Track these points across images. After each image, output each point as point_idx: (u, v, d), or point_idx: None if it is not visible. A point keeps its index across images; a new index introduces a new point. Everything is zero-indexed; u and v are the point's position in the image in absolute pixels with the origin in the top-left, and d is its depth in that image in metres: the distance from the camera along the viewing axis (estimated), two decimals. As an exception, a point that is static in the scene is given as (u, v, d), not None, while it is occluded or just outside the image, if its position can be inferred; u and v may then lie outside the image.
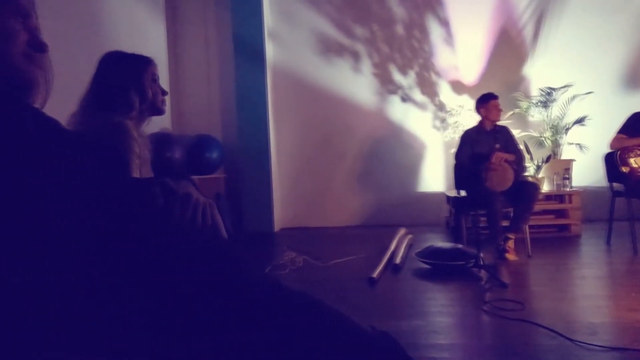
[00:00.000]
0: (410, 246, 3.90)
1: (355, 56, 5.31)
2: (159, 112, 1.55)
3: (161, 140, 4.28)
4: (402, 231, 4.22)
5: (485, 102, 3.65)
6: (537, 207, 3.76)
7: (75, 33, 3.01)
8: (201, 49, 5.48)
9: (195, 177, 4.95)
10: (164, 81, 1.84)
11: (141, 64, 1.51)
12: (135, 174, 1.38)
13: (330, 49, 5.32)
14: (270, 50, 5.29)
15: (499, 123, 3.74)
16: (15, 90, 0.70)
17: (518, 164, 3.55)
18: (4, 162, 0.57)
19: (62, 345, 0.59)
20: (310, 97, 5.36)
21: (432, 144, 5.23)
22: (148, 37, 4.39)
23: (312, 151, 5.42)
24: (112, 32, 3.63)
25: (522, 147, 4.14)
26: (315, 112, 5.38)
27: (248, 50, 5.11)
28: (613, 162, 3.56)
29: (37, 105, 0.75)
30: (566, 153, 4.63)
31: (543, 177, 4.45)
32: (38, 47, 0.73)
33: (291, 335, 0.73)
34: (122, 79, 1.45)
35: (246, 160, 5.18)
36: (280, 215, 5.41)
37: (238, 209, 5.18)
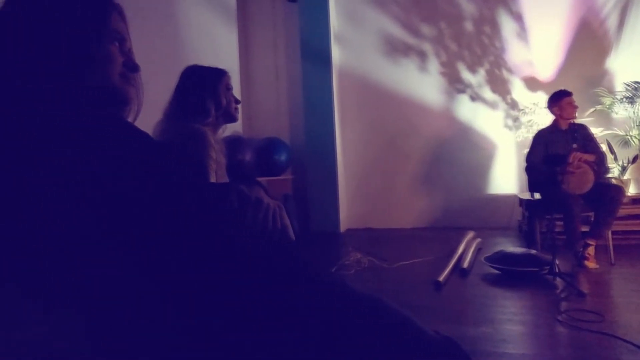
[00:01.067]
0: (478, 250, 3.79)
1: (422, 55, 5.23)
2: (233, 119, 1.68)
3: (233, 143, 4.50)
4: (470, 234, 4.10)
5: (559, 100, 3.45)
6: (623, 211, 3.48)
7: (158, 46, 3.27)
8: (270, 54, 5.68)
9: (263, 179, 5.17)
10: (236, 87, 1.96)
11: (216, 75, 1.65)
12: (212, 177, 1.50)
13: (396, 49, 5.28)
14: (336, 53, 5.36)
15: (577, 121, 3.51)
16: (112, 107, 0.80)
17: (599, 164, 3.32)
18: (103, 172, 0.65)
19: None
20: (376, 98, 5.36)
21: (504, 144, 5.02)
22: (221, 44, 4.64)
23: (378, 152, 5.42)
24: (189, 40, 3.88)
25: (604, 146, 3.86)
26: (381, 113, 5.38)
27: (315, 53, 5.22)
28: None
29: (130, 119, 0.85)
30: (657, 153, 4.24)
31: (629, 179, 4.11)
32: (132, 67, 0.83)
33: (356, 336, 0.76)
34: (200, 89, 1.59)
35: (313, 161, 5.29)
36: (346, 216, 5.47)
37: (305, 209, 5.31)
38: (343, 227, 5.36)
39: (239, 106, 1.74)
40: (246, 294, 0.71)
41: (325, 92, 5.22)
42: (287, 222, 1.64)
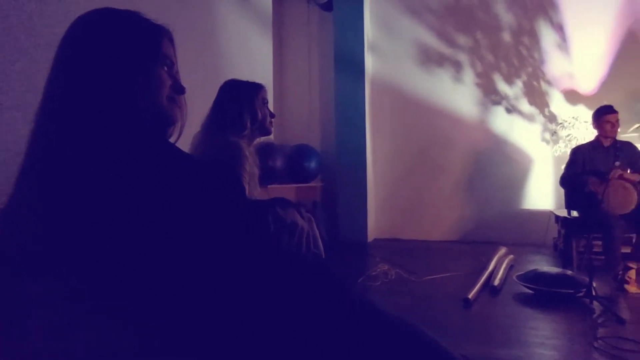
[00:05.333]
0: (510, 267, 3.67)
1: (457, 66, 5.15)
2: (267, 132, 1.70)
3: (264, 150, 4.55)
4: (502, 250, 3.99)
5: (599, 117, 3.33)
6: (668, 233, 3.31)
7: (201, 61, 3.36)
8: (304, 62, 5.73)
9: (293, 186, 5.19)
10: (269, 94, 2.00)
11: (253, 89, 1.68)
12: (246, 189, 1.52)
13: (430, 59, 5.22)
14: (369, 62, 5.35)
15: (622, 138, 3.37)
16: (159, 127, 0.84)
17: (644, 184, 3.17)
18: (149, 192, 0.68)
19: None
20: (409, 108, 5.31)
21: (540, 158, 4.87)
22: (257, 52, 4.72)
23: (410, 162, 5.36)
24: (228, 53, 3.96)
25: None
26: (414, 123, 5.32)
27: (348, 62, 5.23)
28: None
29: (174, 137, 0.89)
30: None
31: (676, 200, 3.90)
32: (179, 90, 0.87)
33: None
34: (237, 103, 1.62)
35: (343, 169, 5.28)
36: (375, 226, 5.42)
37: (334, 217, 5.30)
38: (371, 236, 5.31)
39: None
40: (281, 314, 0.72)
41: (358, 100, 5.21)
42: (317, 233, 1.64)
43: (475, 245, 4.77)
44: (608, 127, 3.29)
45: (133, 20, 0.82)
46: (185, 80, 0.94)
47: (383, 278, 3.44)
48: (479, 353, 2.09)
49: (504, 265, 3.58)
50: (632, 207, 3.06)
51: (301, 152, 5.10)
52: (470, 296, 2.86)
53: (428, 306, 2.87)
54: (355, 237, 5.19)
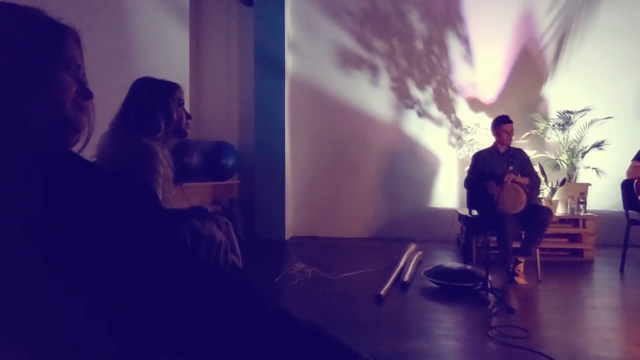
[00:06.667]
0: (419, 263, 3.92)
1: (374, 69, 5.35)
2: (183, 134, 1.63)
3: (179, 146, 4.37)
4: (412, 247, 4.23)
5: (497, 126, 3.67)
6: (550, 230, 3.73)
7: (109, 44, 3.12)
8: (223, 57, 5.58)
9: (210, 183, 5.04)
10: (185, 88, 1.90)
11: (168, 89, 1.59)
12: (159, 192, 1.45)
13: (349, 61, 5.37)
14: (290, 61, 5.36)
15: (516, 144, 3.74)
16: (62, 134, 0.77)
17: (532, 187, 3.55)
18: (49, 207, 0.62)
19: None
20: (328, 108, 5.42)
21: (447, 160, 5.24)
22: (173, 44, 4.50)
23: (327, 161, 5.48)
24: (138, 39, 3.73)
25: (537, 168, 4.12)
26: (332, 123, 5.44)
27: (268, 60, 5.19)
28: (630, 189, 3.53)
29: (80, 145, 0.82)
30: (582, 177, 4.59)
31: (557, 200, 4.43)
32: (86, 95, 0.81)
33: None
34: (151, 103, 1.53)
35: (261, 167, 5.25)
36: (292, 224, 5.47)
37: (251, 215, 5.25)
38: (288, 234, 5.35)
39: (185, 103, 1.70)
40: (197, 330, 0.71)
41: (278, 99, 5.21)
42: (237, 246, 1.62)
43: (388, 242, 5.01)
44: (504, 135, 3.63)
45: (34, 19, 0.74)
46: (93, 79, 0.88)
47: (300, 277, 3.49)
48: (390, 347, 2.21)
49: (413, 261, 3.81)
50: (522, 207, 3.41)
51: (218, 149, 4.97)
52: (382, 292, 3.00)
53: (343, 303, 2.97)
54: (273, 235, 5.20)
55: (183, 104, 1.63)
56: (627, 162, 3.63)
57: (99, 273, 0.64)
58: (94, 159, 1.49)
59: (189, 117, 1.64)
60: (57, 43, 0.76)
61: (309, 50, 5.43)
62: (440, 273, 3.24)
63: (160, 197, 1.44)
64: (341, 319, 2.63)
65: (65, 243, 0.62)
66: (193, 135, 5.10)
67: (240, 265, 0.97)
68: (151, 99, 1.54)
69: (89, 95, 0.81)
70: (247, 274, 0.95)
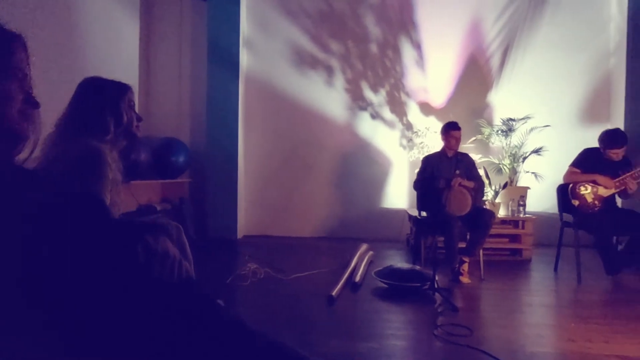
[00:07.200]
0: (370, 263, 4.00)
1: (329, 70, 5.39)
2: (133, 137, 1.57)
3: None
4: (363, 247, 4.32)
5: (446, 131, 3.81)
6: (493, 230, 3.92)
7: (53, 53, 2.93)
8: (174, 51, 5.42)
9: (159, 181, 4.88)
10: (134, 83, 1.83)
11: (118, 90, 1.53)
12: (106, 197, 1.39)
13: (304, 61, 5.38)
14: (244, 58, 5.29)
15: (463, 148, 3.90)
16: (4, 145, 0.73)
17: (477, 191, 3.72)
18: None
19: None
20: (282, 107, 5.40)
21: (398, 162, 5.38)
22: (121, 38, 4.32)
23: (280, 160, 5.46)
24: (87, 30, 3.55)
25: (482, 172, 4.33)
26: (286, 122, 5.43)
27: (222, 56, 5.10)
28: (565, 193, 3.78)
29: (25, 154, 0.79)
30: (523, 181, 4.87)
31: (500, 203, 4.67)
32: (32, 104, 0.77)
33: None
34: (100, 104, 1.46)
35: (213, 165, 5.16)
36: (244, 223, 5.41)
37: (202, 214, 5.15)
38: (240, 233, 5.29)
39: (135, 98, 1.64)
40: (151, 344, 0.71)
41: (231, 96, 5.13)
42: (187, 244, 1.58)
43: (340, 242, 5.08)
44: (453, 141, 3.79)
45: None
46: (38, 78, 0.84)
47: (252, 277, 3.46)
48: (341, 348, 2.24)
49: (364, 262, 3.88)
50: (468, 209, 3.57)
51: (168, 146, 4.84)
52: (333, 293, 3.04)
53: (295, 304, 2.98)
54: (225, 234, 5.13)
55: (134, 105, 1.57)
56: (563, 168, 3.88)
57: (49, 293, 0.62)
58: (36, 159, 1.41)
59: (139, 119, 1.59)
60: (2, 52, 0.72)
61: (265, 48, 5.38)
62: (390, 273, 3.33)
63: (107, 201, 1.39)
64: (293, 320, 2.64)
65: (13, 259, 0.60)
66: (142, 132, 4.92)
67: (192, 272, 0.96)
68: (100, 99, 1.47)
69: (35, 105, 0.78)
70: (200, 284, 0.94)
